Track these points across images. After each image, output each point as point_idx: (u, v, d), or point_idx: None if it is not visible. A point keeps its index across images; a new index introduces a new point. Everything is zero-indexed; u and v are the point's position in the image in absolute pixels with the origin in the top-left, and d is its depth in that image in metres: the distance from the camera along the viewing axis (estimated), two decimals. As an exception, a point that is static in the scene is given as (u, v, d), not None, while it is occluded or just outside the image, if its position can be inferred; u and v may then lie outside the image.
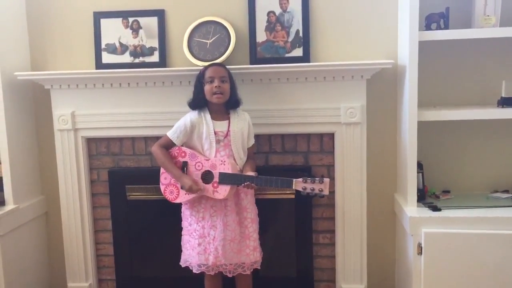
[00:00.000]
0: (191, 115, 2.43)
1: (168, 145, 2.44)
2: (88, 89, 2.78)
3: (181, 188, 2.38)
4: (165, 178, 2.46)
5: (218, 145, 2.38)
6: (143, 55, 2.81)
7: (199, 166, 2.38)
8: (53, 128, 2.84)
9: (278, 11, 2.72)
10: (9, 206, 2.72)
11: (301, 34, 2.71)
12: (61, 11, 2.86)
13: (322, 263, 2.88)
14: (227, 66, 2.49)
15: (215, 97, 2.36)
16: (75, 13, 2.85)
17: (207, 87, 2.37)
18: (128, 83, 2.75)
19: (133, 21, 2.81)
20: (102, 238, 2.96)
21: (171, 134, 2.42)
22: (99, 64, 2.83)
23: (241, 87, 2.57)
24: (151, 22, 2.80)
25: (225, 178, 2.31)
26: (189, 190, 2.34)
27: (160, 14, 2.79)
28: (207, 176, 2.35)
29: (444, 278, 2.39)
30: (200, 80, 2.42)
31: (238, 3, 2.75)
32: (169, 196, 2.45)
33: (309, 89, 2.68)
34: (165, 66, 2.79)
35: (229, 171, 2.31)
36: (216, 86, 2.35)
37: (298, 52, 2.72)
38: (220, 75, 2.37)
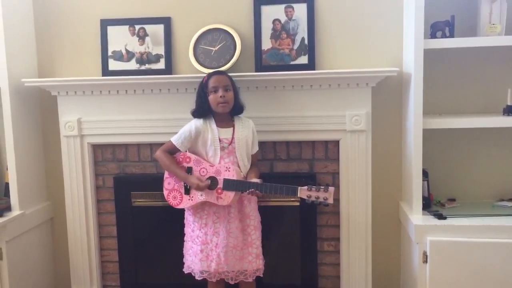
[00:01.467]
0: (196, 122, 2.43)
1: (172, 151, 2.45)
2: (95, 96, 2.80)
3: (188, 189, 2.39)
4: (168, 183, 2.46)
5: (223, 152, 2.39)
6: (149, 62, 2.83)
7: (203, 172, 2.38)
8: (59, 134, 2.86)
9: (283, 19, 2.74)
10: (15, 211, 2.73)
11: (306, 42, 2.72)
12: (68, 18, 2.89)
13: (327, 271, 2.87)
14: (232, 74, 2.50)
15: (220, 106, 2.37)
16: (82, 21, 2.88)
17: (211, 97, 2.38)
18: (134, 90, 2.77)
19: (139, 29, 2.83)
20: (107, 244, 2.97)
21: (175, 140, 2.43)
22: (106, 71, 2.85)
23: (246, 95, 2.58)
24: (157, 30, 2.82)
25: (229, 185, 2.31)
26: (198, 188, 2.34)
27: (166, 22, 2.81)
28: (211, 182, 2.36)
29: (449, 287, 2.38)
30: (203, 89, 2.42)
31: (243, 11, 2.77)
32: (172, 202, 2.45)
33: (314, 97, 2.69)
34: (171, 73, 2.81)
35: (234, 178, 2.31)
36: (221, 96, 2.36)
37: (303, 59, 2.73)
38: (224, 84, 2.38)
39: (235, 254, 2.38)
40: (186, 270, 2.49)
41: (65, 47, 2.91)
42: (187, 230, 2.51)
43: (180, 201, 2.43)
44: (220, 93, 2.36)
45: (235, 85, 2.45)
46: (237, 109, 2.46)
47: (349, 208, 2.74)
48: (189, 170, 2.40)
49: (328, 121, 2.69)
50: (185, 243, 2.52)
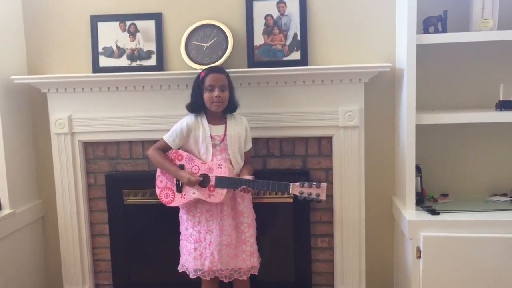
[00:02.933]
0: (188, 119, 2.42)
1: (164, 149, 2.43)
2: (85, 93, 2.77)
3: (180, 186, 2.37)
4: (161, 181, 2.45)
5: (215, 149, 2.37)
6: (141, 58, 2.80)
7: (195, 169, 2.36)
8: (50, 132, 2.83)
9: (275, 14, 2.72)
10: (6, 210, 2.70)
11: (299, 38, 2.71)
12: (58, 14, 2.85)
13: (321, 267, 2.86)
14: (225, 70, 2.48)
15: (214, 105, 2.35)
16: (72, 17, 2.84)
17: (206, 95, 2.36)
18: (125, 87, 2.74)
19: (130, 25, 2.80)
20: (99, 242, 2.95)
21: (167, 137, 2.41)
22: (96, 68, 2.82)
23: (238, 91, 2.56)
24: (149, 26, 2.79)
25: (221, 182, 2.30)
26: (189, 183, 2.32)
27: (157, 18, 2.78)
28: (203, 180, 2.34)
29: (443, 282, 2.38)
30: (199, 85, 2.40)
31: (235, 6, 2.75)
32: (165, 200, 2.44)
33: (307, 93, 2.67)
34: (162, 70, 2.78)
35: (226, 175, 2.30)
36: (216, 96, 2.34)
37: (296, 55, 2.71)
38: (220, 84, 2.36)
39: (228, 252, 2.37)
40: (180, 268, 2.47)
41: (55, 43, 2.87)
42: (181, 228, 2.49)
43: (172, 199, 2.41)
44: (215, 92, 2.34)
45: (231, 83, 2.43)
46: (231, 107, 2.45)
47: (342, 204, 2.73)
48: (182, 168, 2.38)
49: (321, 117, 2.68)
50: (180, 241, 2.50)
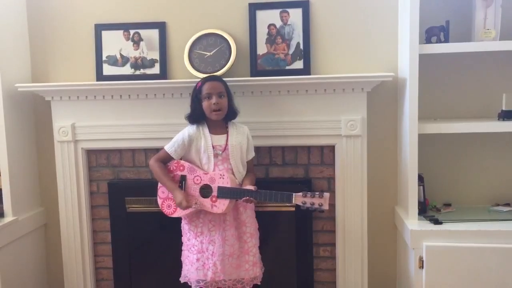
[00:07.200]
0: (189, 129, 2.41)
1: (166, 159, 2.42)
2: (89, 101, 2.78)
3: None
4: (162, 192, 2.44)
5: (216, 159, 2.37)
6: (144, 67, 2.82)
7: (197, 180, 2.36)
8: (53, 139, 2.84)
9: (278, 23, 2.73)
10: (8, 218, 2.71)
11: (301, 47, 2.72)
12: (62, 23, 2.87)
13: (323, 277, 2.85)
14: (227, 78, 2.49)
15: (214, 114, 2.35)
16: (76, 25, 2.86)
17: (205, 104, 2.36)
18: (129, 95, 2.75)
19: (134, 33, 2.82)
20: (101, 250, 2.95)
21: (168, 148, 2.41)
22: (100, 76, 2.83)
23: (241, 100, 2.57)
24: (152, 34, 2.81)
25: (223, 192, 2.30)
26: (179, 206, 2.33)
27: (161, 27, 2.80)
28: (205, 190, 2.34)
29: (445, 292, 2.38)
30: (197, 95, 2.40)
31: (239, 15, 2.76)
32: (167, 210, 2.43)
33: (310, 102, 2.68)
34: (165, 78, 2.80)
35: (228, 185, 2.29)
36: (214, 103, 2.34)
37: (298, 64, 2.72)
38: (218, 91, 2.36)
39: (231, 262, 2.36)
40: (182, 279, 2.46)
41: (59, 51, 2.89)
42: (184, 238, 2.48)
43: (174, 210, 2.41)
44: (213, 99, 2.34)
45: (229, 90, 2.43)
46: (231, 114, 2.44)
47: (344, 213, 2.73)
48: (183, 178, 2.38)
49: (324, 126, 2.69)
50: (182, 251, 2.50)
